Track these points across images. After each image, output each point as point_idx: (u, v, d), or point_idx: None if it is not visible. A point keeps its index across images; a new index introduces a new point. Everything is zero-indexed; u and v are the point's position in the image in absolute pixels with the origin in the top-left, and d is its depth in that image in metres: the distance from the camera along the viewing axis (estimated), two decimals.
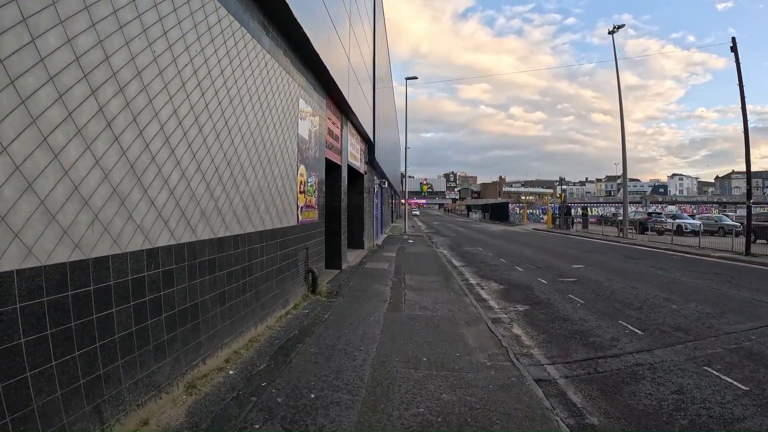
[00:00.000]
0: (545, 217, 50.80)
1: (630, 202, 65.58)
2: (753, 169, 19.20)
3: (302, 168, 7.11)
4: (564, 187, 51.55)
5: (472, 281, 10.68)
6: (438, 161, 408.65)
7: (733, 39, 19.08)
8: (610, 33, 28.64)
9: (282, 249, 6.21)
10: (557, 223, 35.52)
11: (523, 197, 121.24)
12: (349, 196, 15.47)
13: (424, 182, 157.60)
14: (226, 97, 4.46)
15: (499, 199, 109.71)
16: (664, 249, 19.02)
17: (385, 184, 25.80)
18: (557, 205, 41.97)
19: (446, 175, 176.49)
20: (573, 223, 34.11)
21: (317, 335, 5.48)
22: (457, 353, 5.03)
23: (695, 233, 27.92)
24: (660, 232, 28.32)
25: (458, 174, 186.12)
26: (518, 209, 50.60)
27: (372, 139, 16.34)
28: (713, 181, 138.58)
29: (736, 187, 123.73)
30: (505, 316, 7.29)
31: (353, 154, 13.29)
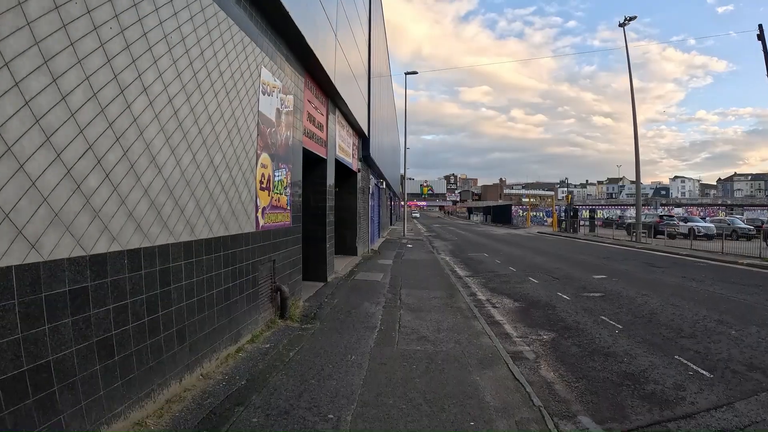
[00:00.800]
0: (549, 220, 49.24)
1: (665, 205, 63.96)
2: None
3: (265, 157, 5.51)
4: (570, 189, 49.74)
5: (481, 296, 9.08)
6: (438, 163, 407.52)
7: (760, 26, 17.57)
8: (620, 25, 27.23)
9: (230, 265, 4.60)
10: (563, 226, 33.93)
11: (524, 199, 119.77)
12: (339, 196, 13.88)
13: (425, 184, 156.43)
14: (118, 38, 2.87)
15: (500, 202, 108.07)
16: (685, 255, 17.46)
17: (382, 184, 24.24)
18: (563, 208, 40.34)
19: (447, 177, 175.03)
20: (579, 226, 32.52)
21: (271, 389, 3.86)
22: (471, 421, 3.43)
23: (708, 237, 26.56)
24: (672, 236, 26.75)
25: (458, 176, 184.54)
26: (521, 212, 48.99)
27: (367, 134, 14.76)
28: (715, 183, 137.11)
29: (739, 189, 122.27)
30: (528, 348, 5.67)
31: (343, 148, 11.71)
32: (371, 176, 18.47)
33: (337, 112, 10.74)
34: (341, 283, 9.46)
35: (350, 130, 12.95)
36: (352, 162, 13.15)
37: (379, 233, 24.63)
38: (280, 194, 6.10)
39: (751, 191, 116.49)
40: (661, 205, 67.41)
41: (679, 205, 64.24)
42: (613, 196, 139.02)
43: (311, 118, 8.09)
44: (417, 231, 35.06)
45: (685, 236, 27.51)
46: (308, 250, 9.39)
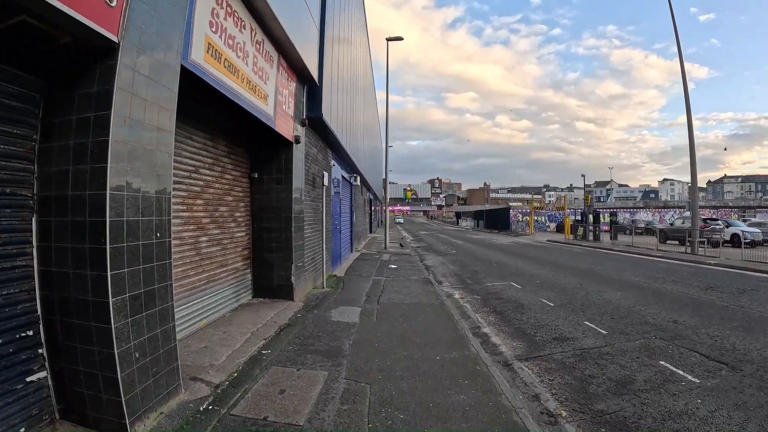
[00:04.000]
0: (551, 225, 43.32)
1: (677, 207, 58.73)
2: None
3: None
4: (588, 188, 43.72)
5: None
6: (423, 169, 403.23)
7: None
8: None
9: None
10: (580, 232, 27.79)
11: (513, 203, 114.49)
12: (256, 186, 7.35)
13: (409, 188, 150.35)
14: None
15: (487, 206, 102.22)
16: None
17: (356, 180, 17.71)
18: (579, 211, 34.42)
19: (431, 182, 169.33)
20: (600, 232, 26.41)
21: None
22: None
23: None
24: (715, 244, 21.07)
25: (443, 180, 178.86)
26: (521, 216, 42.88)
27: (317, 78, 8.26)
28: (705, 186, 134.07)
29: (729, 191, 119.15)
30: None
31: (245, 77, 5.15)
32: (333, 161, 11.91)
33: None
34: None
35: (273, 55, 6.38)
36: (274, 116, 6.60)
37: (351, 246, 18.06)
38: None
39: (741, 193, 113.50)
40: (659, 207, 62.47)
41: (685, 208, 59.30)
42: (601, 200, 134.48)
43: None
44: (402, 240, 28.54)
45: (721, 243, 22.29)
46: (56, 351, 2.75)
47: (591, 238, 26.10)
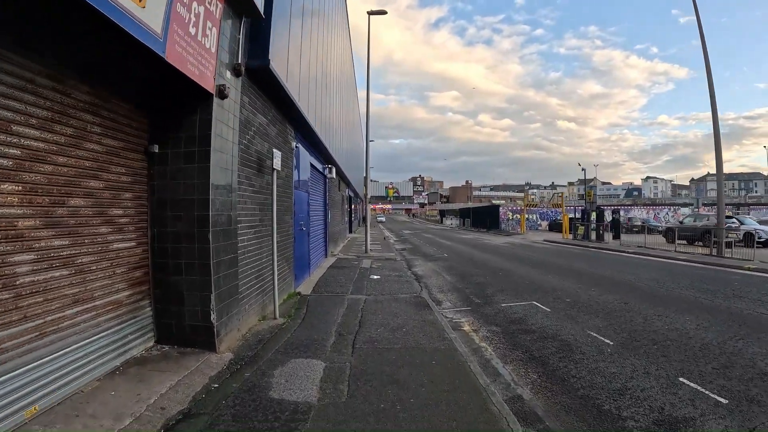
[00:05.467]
0: (543, 224, 41.16)
1: (668, 205, 57.00)
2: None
3: None
4: (591, 185, 41.50)
5: None
6: (405, 167, 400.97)
7: None
8: None
9: None
10: (580, 232, 25.44)
11: (495, 201, 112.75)
12: (158, 168, 4.52)
13: (390, 186, 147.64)
14: None
15: (470, 204, 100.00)
16: None
17: (331, 171, 14.92)
18: (579, 208, 32.19)
19: (413, 179, 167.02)
20: (603, 232, 24.07)
21: None
22: None
23: (765, 243, 19.76)
24: (729, 244, 18.95)
25: (425, 178, 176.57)
26: (511, 214, 40.52)
27: (261, 7, 5.46)
28: (686, 183, 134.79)
29: (712, 189, 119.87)
30: None
31: None
32: (296, 143, 9.09)
33: None
34: None
35: None
36: (164, 36, 3.79)
37: (326, 250, 15.26)
38: None
39: (725, 191, 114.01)
40: (647, 204, 61.06)
41: (685, 205, 57.89)
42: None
43: None
44: (385, 241, 25.79)
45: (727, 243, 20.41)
46: None
47: (594, 237, 23.78)
